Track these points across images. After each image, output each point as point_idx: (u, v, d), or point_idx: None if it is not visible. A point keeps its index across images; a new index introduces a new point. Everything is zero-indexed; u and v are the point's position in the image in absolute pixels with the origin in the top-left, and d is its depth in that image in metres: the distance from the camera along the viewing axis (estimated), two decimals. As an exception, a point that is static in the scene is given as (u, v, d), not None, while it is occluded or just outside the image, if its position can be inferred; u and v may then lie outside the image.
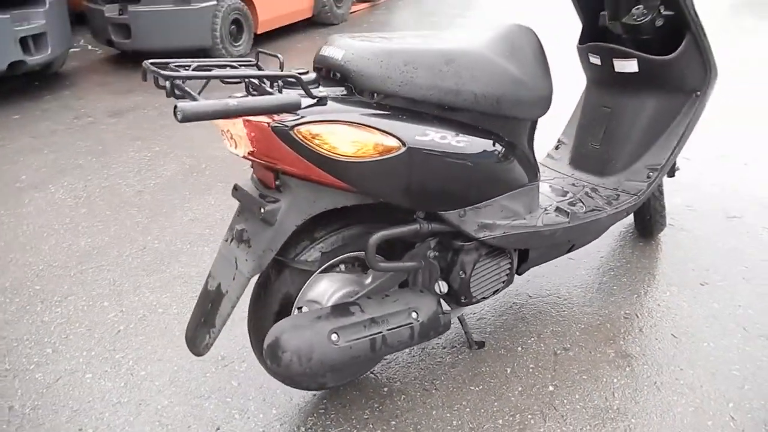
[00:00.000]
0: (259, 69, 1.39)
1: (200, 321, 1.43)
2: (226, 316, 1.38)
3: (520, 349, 1.86)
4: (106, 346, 1.92)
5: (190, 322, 1.47)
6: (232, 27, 5.40)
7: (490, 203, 1.54)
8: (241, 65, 1.37)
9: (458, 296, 1.60)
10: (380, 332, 1.42)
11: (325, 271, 1.52)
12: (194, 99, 1.21)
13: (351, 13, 7.41)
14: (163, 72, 1.11)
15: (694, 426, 1.56)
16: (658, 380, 1.71)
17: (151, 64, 1.18)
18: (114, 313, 2.08)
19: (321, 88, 1.35)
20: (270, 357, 1.34)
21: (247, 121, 1.23)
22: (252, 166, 1.44)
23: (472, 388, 1.71)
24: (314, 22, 6.87)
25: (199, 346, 1.41)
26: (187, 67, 1.24)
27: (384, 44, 1.39)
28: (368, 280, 1.59)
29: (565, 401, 1.66)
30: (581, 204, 1.89)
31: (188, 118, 1.03)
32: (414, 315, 1.48)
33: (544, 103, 1.57)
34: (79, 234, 2.61)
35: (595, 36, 2.04)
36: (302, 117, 1.23)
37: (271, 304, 1.47)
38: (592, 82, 2.20)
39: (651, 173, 1.98)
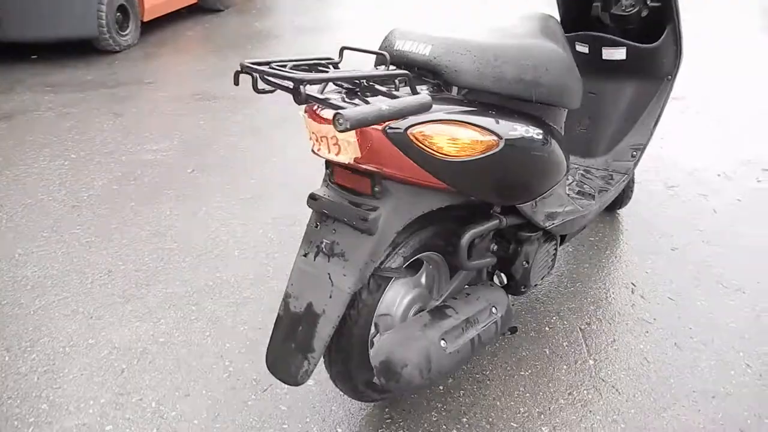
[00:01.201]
0: (333, 66, 1.30)
1: (291, 347, 1.32)
2: (326, 338, 1.29)
3: (547, 329, 1.94)
4: (114, 390, 1.67)
5: (274, 350, 1.35)
6: (118, 14, 4.86)
7: (551, 192, 1.58)
8: (329, 63, 1.27)
9: (519, 286, 1.63)
10: (477, 332, 1.41)
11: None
12: (321, 102, 1.15)
13: (237, -3, 7.04)
14: (292, 75, 1.00)
15: (722, 377, 1.75)
16: (676, 341, 1.89)
17: (253, 64, 1.05)
18: (107, 351, 1.81)
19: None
20: (386, 375, 1.29)
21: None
22: (332, 174, 1.34)
23: (522, 373, 1.76)
24: (200, 8, 6.43)
25: (296, 374, 1.30)
26: (282, 67, 1.12)
27: (468, 37, 1.36)
28: (423, 281, 1.57)
29: (609, 372, 1.77)
30: (588, 186, 2.00)
31: (354, 126, 0.94)
32: (494, 310, 1.48)
33: (582, 92, 1.64)
34: (19, 263, 2.22)
35: (578, 26, 2.16)
36: (413, 119, 1.17)
37: (355, 318, 1.38)
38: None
39: (635, 152, 2.15)
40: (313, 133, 1.27)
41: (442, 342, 1.34)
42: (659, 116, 2.17)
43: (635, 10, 1.98)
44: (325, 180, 1.38)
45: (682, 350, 1.85)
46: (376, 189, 1.27)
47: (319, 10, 6.76)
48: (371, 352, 1.37)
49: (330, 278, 1.29)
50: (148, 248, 2.32)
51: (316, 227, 1.34)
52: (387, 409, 1.62)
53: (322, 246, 1.31)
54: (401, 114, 1.08)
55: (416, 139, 1.19)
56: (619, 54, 2.08)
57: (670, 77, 2.14)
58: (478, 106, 1.34)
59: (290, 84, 1.11)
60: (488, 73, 1.33)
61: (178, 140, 3.29)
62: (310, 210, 1.37)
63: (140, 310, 1.98)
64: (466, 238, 1.40)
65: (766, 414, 1.62)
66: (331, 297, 1.28)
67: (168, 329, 1.90)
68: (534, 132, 1.41)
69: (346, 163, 1.24)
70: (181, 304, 2.01)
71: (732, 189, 2.82)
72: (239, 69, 1.18)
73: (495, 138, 1.30)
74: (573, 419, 1.60)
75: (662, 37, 2.02)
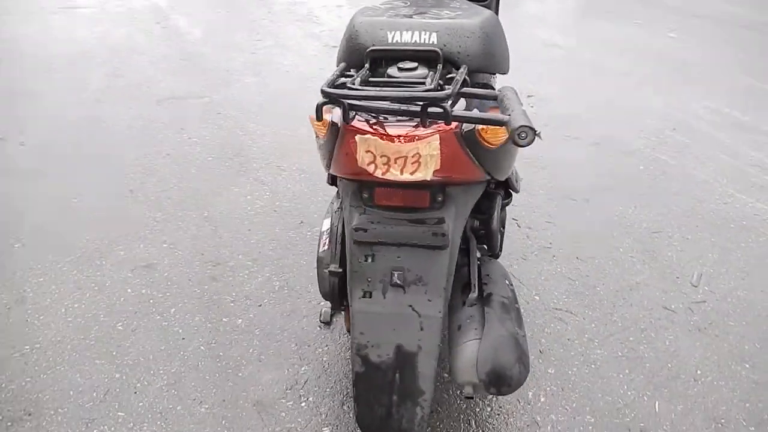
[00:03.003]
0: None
1: (393, 401, 1.20)
2: (433, 375, 1.19)
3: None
4: None
5: (371, 413, 1.21)
6: None
7: None
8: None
9: (495, 252, 1.61)
10: (517, 306, 1.37)
11: None
12: (470, 120, 1.08)
13: None
14: (430, 94, 0.98)
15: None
16: (672, 305, 2.10)
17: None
18: None
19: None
20: (498, 383, 1.19)
21: (445, 135, 1.10)
22: (370, 197, 1.23)
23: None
24: None
25: (406, 429, 1.20)
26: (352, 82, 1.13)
27: (462, 20, 1.35)
28: None
29: (648, 351, 1.87)
30: None
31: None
32: (507, 281, 1.46)
33: None
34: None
35: None
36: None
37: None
38: None
39: None
40: (382, 156, 1.12)
41: (519, 329, 1.29)
42: None
43: None
44: (356, 207, 1.25)
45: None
46: (439, 199, 1.20)
47: None
48: (463, 368, 1.23)
49: (414, 309, 1.20)
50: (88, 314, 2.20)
51: (368, 261, 1.22)
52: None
53: (393, 279, 1.20)
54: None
55: (480, 135, 1.13)
56: None
57: None
58: (486, 88, 1.33)
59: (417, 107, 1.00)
60: (485, 53, 1.33)
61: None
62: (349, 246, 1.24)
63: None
64: (495, 222, 1.39)
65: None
66: (422, 329, 1.19)
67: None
68: None
69: (423, 180, 1.13)
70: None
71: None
72: (323, 101, 1.05)
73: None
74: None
75: None
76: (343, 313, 1.72)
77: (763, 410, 1.67)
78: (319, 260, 1.46)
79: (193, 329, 1.92)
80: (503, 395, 1.25)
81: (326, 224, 1.55)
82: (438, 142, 1.11)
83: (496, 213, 1.46)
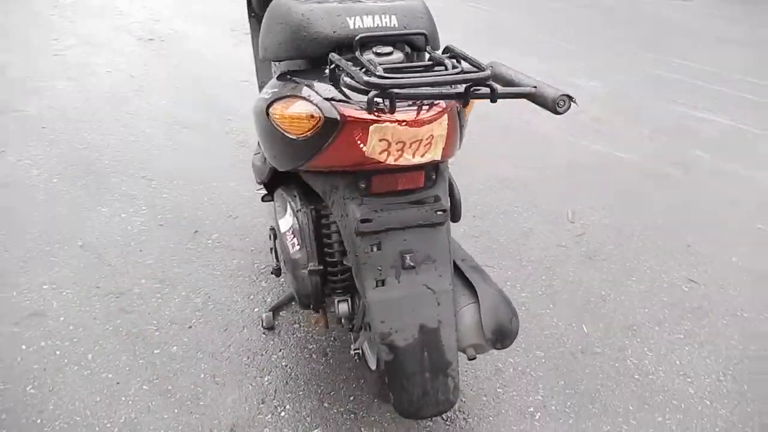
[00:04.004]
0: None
1: (426, 377, 1.22)
2: (455, 345, 1.23)
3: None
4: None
5: (407, 394, 1.22)
6: None
7: None
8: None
9: (457, 219, 1.67)
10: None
11: None
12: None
13: None
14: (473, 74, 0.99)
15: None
16: (562, 242, 2.36)
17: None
18: None
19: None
20: (502, 337, 1.27)
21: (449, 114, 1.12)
22: (367, 186, 1.22)
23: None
24: None
25: (446, 398, 1.23)
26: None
27: (407, 2, 1.36)
28: None
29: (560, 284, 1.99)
30: None
31: None
32: (460, 246, 1.51)
33: None
34: None
35: None
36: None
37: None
38: (257, 20, 2.33)
39: None
40: (398, 142, 1.12)
41: (497, 285, 1.35)
42: None
43: None
44: (353, 199, 1.23)
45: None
46: (433, 177, 1.24)
47: None
48: (467, 332, 1.29)
49: (428, 287, 1.22)
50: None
51: (375, 250, 1.22)
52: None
53: (405, 262, 1.21)
54: None
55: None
56: None
57: None
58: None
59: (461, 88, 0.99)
60: (433, 31, 1.35)
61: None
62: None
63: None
64: (457, 191, 1.44)
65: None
66: (439, 304, 1.22)
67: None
68: None
69: (433, 160, 1.17)
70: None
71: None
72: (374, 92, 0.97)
73: None
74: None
75: None
76: (308, 311, 1.68)
77: (659, 311, 2.04)
78: (295, 262, 1.40)
79: (125, 370, 1.69)
80: (505, 348, 1.35)
81: (285, 225, 1.47)
82: (446, 121, 1.14)
83: (455, 182, 1.54)
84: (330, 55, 1.14)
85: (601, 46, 5.03)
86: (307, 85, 1.22)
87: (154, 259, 2.14)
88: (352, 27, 1.28)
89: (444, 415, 1.60)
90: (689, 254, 2.36)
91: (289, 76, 1.34)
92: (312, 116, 1.15)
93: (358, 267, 1.22)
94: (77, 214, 2.37)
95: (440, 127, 1.14)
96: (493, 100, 1.01)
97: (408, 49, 1.35)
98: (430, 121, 1.12)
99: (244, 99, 3.54)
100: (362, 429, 1.56)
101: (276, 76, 1.55)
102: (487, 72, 0.98)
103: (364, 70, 1.02)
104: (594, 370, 1.79)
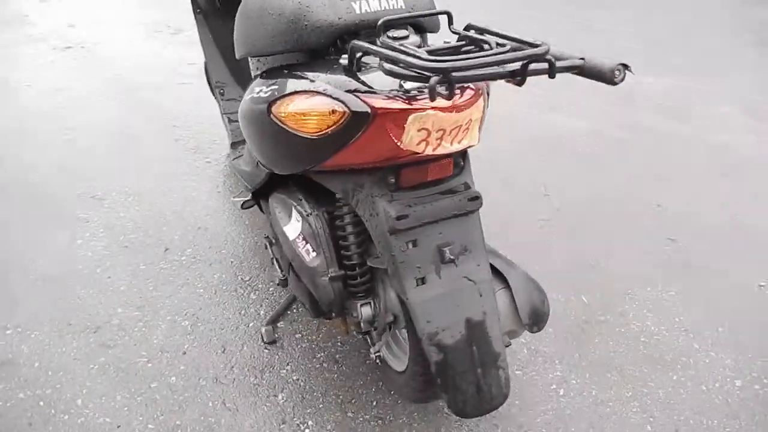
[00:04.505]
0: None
1: (478, 373, 1.17)
2: (500, 334, 1.20)
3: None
4: None
5: (461, 393, 1.16)
6: None
7: None
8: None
9: None
10: None
11: None
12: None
13: None
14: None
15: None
16: (543, 216, 2.23)
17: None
18: None
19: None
20: (538, 320, 1.27)
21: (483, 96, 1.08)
22: (396, 181, 1.15)
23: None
24: None
25: (500, 391, 1.19)
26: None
27: None
28: None
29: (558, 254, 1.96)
30: None
31: None
32: None
33: None
34: None
35: None
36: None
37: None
38: (205, 17, 2.29)
39: None
40: (439, 130, 1.06)
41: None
42: None
43: None
44: (381, 196, 1.15)
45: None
46: (461, 164, 1.20)
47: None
48: (504, 317, 1.25)
49: (469, 279, 1.17)
50: None
51: (410, 248, 1.14)
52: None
53: (445, 256, 1.15)
54: None
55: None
56: None
57: None
58: None
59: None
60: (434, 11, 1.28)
61: None
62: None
63: None
64: None
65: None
66: (482, 295, 1.18)
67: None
68: None
69: (468, 146, 1.13)
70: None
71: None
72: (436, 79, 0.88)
73: None
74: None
75: None
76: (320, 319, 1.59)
77: (649, 273, 2.09)
78: (313, 270, 1.30)
79: (123, 411, 1.53)
80: (540, 331, 1.33)
81: (292, 232, 1.38)
82: (483, 104, 1.08)
83: None
84: (352, 43, 1.04)
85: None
86: (318, 79, 1.13)
87: (126, 285, 1.97)
88: (358, 12, 1.20)
89: (471, 406, 1.57)
90: (661, 214, 2.44)
91: (286, 71, 1.23)
92: (333, 111, 1.06)
93: (395, 267, 1.14)
94: (29, 244, 2.14)
95: (477, 111, 1.09)
96: (552, 76, 0.96)
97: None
98: (469, 106, 1.06)
99: (187, 102, 3.34)
100: (393, 434, 1.50)
101: (260, 72, 1.43)
102: (545, 47, 0.92)
103: (409, 55, 0.93)
104: (603, 338, 1.81)
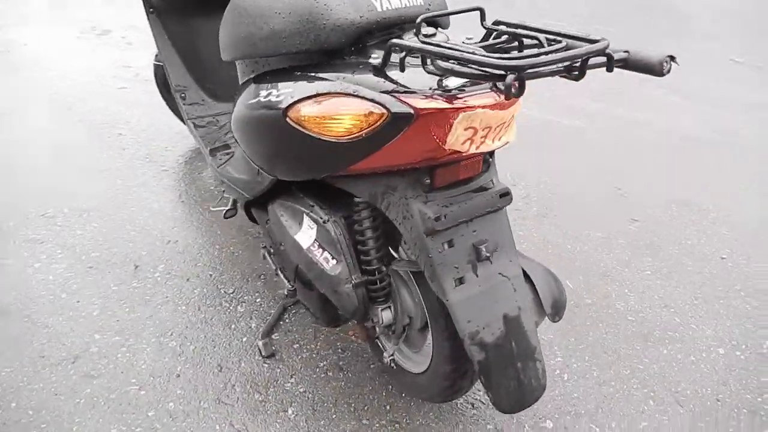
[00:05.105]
0: None
1: (518, 367, 1.17)
2: (534, 327, 1.21)
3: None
4: None
5: (505, 389, 1.16)
6: None
7: None
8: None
9: None
10: None
11: None
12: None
13: None
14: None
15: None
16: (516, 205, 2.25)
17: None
18: None
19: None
20: (559, 310, 1.29)
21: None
22: (431, 182, 1.13)
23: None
24: None
25: (538, 383, 1.20)
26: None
27: None
28: None
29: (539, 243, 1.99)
30: None
31: None
32: None
33: None
34: None
35: None
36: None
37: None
38: (158, 15, 2.16)
39: None
40: (485, 128, 1.04)
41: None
42: None
43: None
44: (415, 198, 1.12)
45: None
46: (490, 160, 1.20)
47: None
48: (531, 309, 1.25)
49: (503, 275, 1.17)
50: None
51: (447, 248, 1.13)
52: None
53: (482, 254, 1.14)
54: None
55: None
56: None
57: None
58: None
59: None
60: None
61: None
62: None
63: None
64: None
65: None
66: (516, 290, 1.18)
67: None
68: None
69: (506, 143, 1.11)
70: None
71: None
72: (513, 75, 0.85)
73: None
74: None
75: None
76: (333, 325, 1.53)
77: (621, 254, 2.18)
78: (334, 279, 1.26)
79: (122, 445, 1.42)
80: (560, 320, 1.35)
81: (305, 240, 1.32)
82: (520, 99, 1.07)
83: None
84: (391, 42, 1.00)
85: None
86: (343, 80, 1.08)
87: (98, 309, 1.82)
88: (380, 9, 1.16)
89: (483, 398, 1.58)
90: (623, 197, 2.56)
91: (298, 73, 1.17)
92: (370, 113, 1.02)
93: (433, 269, 1.12)
94: (-24, 274, 1.94)
95: (518, 107, 1.09)
96: (610, 70, 0.96)
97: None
98: (513, 103, 1.06)
99: (129, 108, 3.14)
100: (412, 436, 1.48)
101: (254, 76, 1.36)
102: (605, 42, 0.93)
103: (475, 53, 0.90)
104: (593, 320, 1.87)
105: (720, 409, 1.59)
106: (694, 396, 1.62)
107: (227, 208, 1.81)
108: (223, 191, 1.98)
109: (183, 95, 2.16)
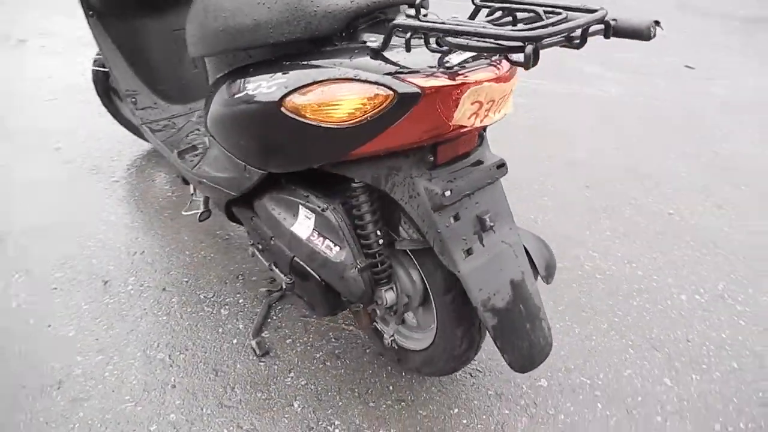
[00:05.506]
0: None
1: (527, 328, 1.23)
2: (537, 288, 1.28)
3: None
4: None
5: (519, 349, 1.22)
6: None
7: None
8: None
9: None
10: None
11: None
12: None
13: None
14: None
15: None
16: None
17: None
18: None
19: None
20: (552, 272, 1.36)
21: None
22: (434, 159, 1.16)
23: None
24: None
25: (546, 341, 1.27)
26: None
27: None
28: None
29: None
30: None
31: None
32: None
33: None
34: None
35: None
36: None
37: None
38: (99, 17, 2.08)
39: None
40: (490, 101, 1.08)
41: None
42: None
43: None
44: (421, 176, 1.15)
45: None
46: (483, 134, 1.24)
47: None
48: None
49: (505, 242, 1.23)
50: None
51: (453, 222, 1.17)
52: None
53: (485, 225, 1.19)
54: None
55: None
56: None
57: None
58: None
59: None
60: None
61: None
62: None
63: None
64: None
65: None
66: (517, 256, 1.24)
67: None
68: None
69: (503, 116, 1.15)
70: None
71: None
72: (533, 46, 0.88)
73: None
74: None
75: None
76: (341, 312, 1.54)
77: (580, 219, 2.31)
78: (340, 265, 1.26)
79: (129, 463, 1.37)
80: (552, 281, 1.42)
81: (303, 231, 1.32)
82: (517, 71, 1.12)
83: None
84: (392, 23, 1.01)
85: None
86: (340, 65, 1.08)
87: (74, 330, 1.74)
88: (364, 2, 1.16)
89: (479, 367, 1.64)
90: (574, 165, 2.71)
91: (287, 63, 1.17)
92: (376, 96, 1.03)
93: (443, 243, 1.15)
94: (-73, 310, 1.79)
95: (516, 79, 1.13)
96: (607, 36, 1.02)
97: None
98: (513, 75, 1.11)
99: (62, 120, 2.97)
100: (420, 412, 1.52)
101: (229, 71, 1.34)
102: (604, 10, 0.98)
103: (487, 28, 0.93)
104: (567, 282, 1.98)
105: (691, 348, 1.73)
106: (666, 340, 1.76)
107: (201, 211, 1.77)
108: (192, 194, 1.92)
109: (134, 100, 2.07)
